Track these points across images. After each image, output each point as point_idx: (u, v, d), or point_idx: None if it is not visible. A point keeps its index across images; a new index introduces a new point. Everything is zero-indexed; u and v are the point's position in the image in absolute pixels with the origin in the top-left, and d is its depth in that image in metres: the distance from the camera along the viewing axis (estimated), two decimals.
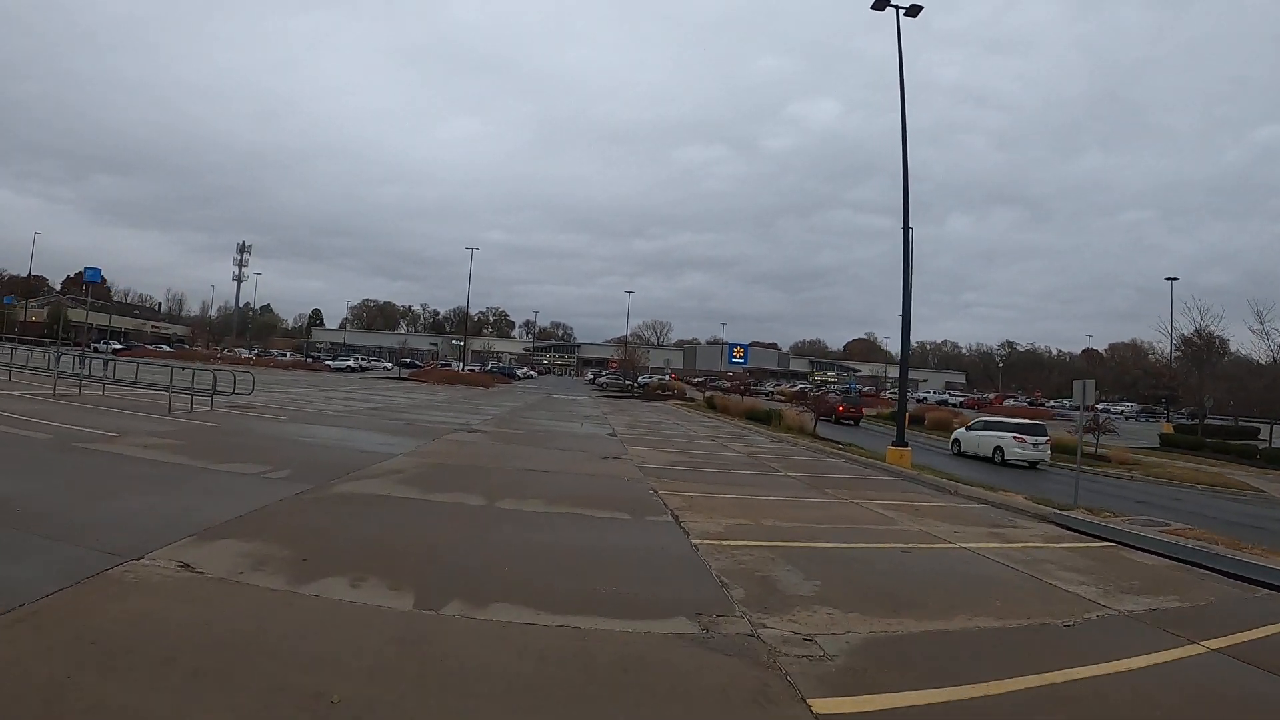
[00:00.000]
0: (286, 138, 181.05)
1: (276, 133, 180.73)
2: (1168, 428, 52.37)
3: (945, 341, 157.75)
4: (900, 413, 22.20)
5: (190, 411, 17.27)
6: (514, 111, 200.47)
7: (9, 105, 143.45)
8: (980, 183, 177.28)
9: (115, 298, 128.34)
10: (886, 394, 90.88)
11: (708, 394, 50.77)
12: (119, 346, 73.86)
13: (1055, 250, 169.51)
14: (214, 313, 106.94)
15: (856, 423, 39.97)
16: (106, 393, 20.04)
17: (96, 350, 72.47)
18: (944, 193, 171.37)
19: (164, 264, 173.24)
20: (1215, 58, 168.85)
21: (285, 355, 73.30)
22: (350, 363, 71.03)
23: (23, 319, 66.09)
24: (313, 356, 78.33)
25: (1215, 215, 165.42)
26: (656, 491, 11.12)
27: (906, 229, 23.94)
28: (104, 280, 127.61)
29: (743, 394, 42.18)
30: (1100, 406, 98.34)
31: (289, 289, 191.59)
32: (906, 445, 21.21)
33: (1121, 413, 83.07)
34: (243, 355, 69.71)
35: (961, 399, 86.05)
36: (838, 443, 25.42)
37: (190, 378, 19.07)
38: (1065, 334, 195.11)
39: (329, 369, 65.49)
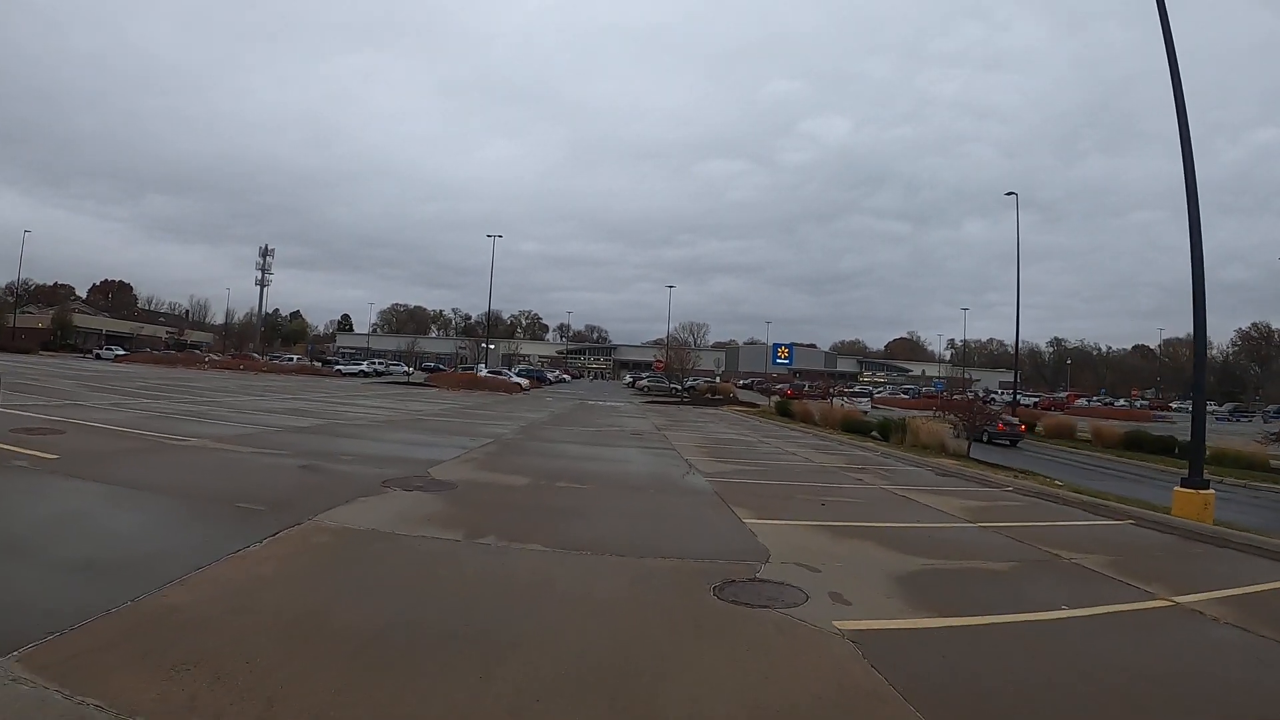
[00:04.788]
0: (336, 161, 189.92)
1: (327, 157, 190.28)
2: None
3: (991, 339, 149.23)
4: (1197, 434, 11.93)
5: None
6: (548, 134, 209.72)
7: (77, 136, 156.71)
8: (991, 189, 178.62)
9: (140, 305, 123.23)
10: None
11: (776, 398, 40.47)
12: (121, 352, 66.81)
13: (1072, 251, 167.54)
14: (239, 318, 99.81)
15: (1014, 443, 28.47)
16: None
17: (99, 356, 65.68)
18: (958, 199, 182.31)
19: (211, 276, 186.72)
20: (1200, 68, 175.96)
21: (292, 360, 64.70)
22: (364, 367, 62.05)
23: (11, 325, 58.18)
24: (323, 361, 69.56)
25: (1224, 213, 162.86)
26: None
27: (1191, 175, 13.62)
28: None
29: (831, 397, 31.61)
30: (1175, 404, 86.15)
31: (331, 299, 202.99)
32: (1208, 486, 11.23)
33: (1210, 412, 70.76)
34: (256, 359, 61.41)
35: (1036, 399, 74.12)
36: (1018, 470, 15.37)
37: None
38: (1093, 332, 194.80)
39: (339, 374, 56.65)
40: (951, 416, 21.32)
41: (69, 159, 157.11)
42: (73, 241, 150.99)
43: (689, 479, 11.33)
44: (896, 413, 38.58)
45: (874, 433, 24.22)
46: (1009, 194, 38.50)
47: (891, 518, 8.99)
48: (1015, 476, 14.18)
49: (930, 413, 25.28)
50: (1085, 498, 11.97)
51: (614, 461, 13.24)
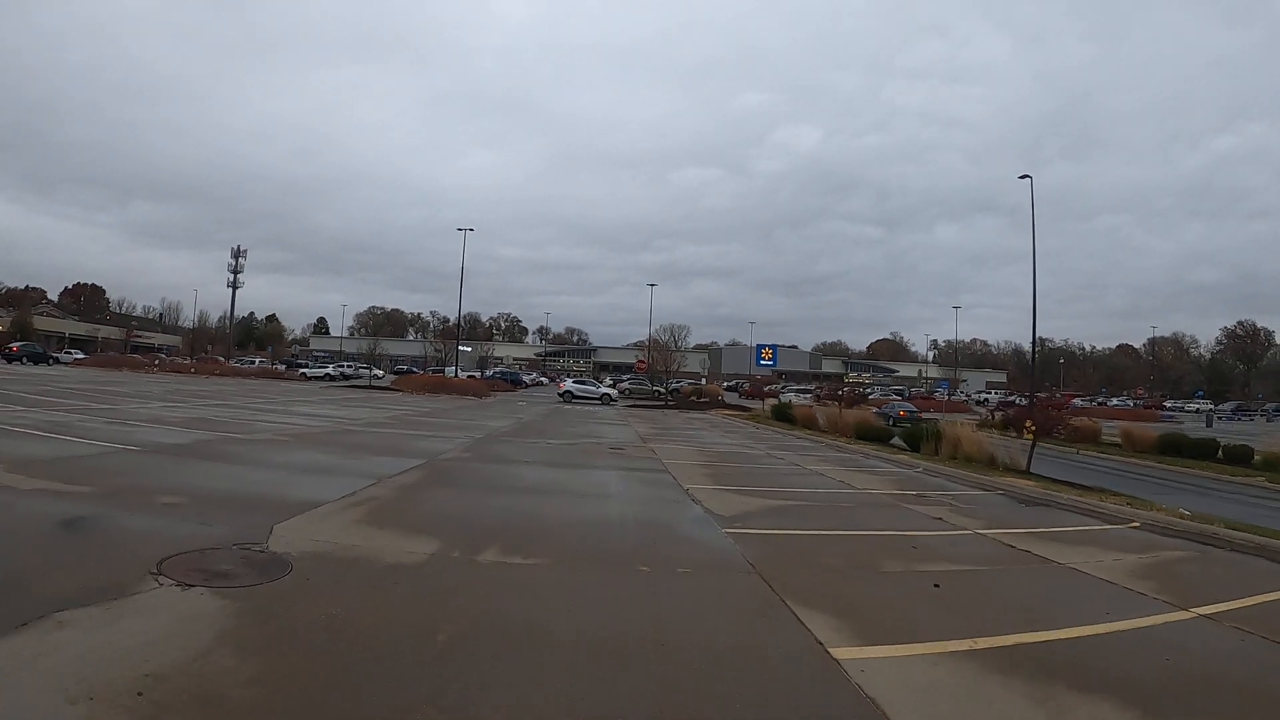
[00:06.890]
0: (322, 170, 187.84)
1: (313, 165, 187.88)
2: None
3: (975, 340, 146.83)
4: None
5: None
6: (528, 144, 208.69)
7: (67, 144, 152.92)
8: (959, 194, 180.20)
9: (113, 308, 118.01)
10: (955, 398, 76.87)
11: (772, 402, 36.52)
12: (81, 356, 62.36)
13: (1041, 254, 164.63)
14: (214, 321, 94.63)
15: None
16: None
17: (58, 360, 61.01)
18: (928, 203, 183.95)
19: (193, 281, 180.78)
20: (1156, 79, 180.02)
21: (253, 363, 60.04)
22: (329, 370, 57.63)
23: None
24: (288, 363, 64.73)
25: (1190, 216, 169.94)
26: None
27: None
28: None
29: (848, 402, 27.44)
30: (1170, 404, 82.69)
31: (312, 303, 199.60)
32: None
33: (1211, 411, 68.17)
34: (220, 362, 56.78)
35: (1034, 400, 70.58)
36: (1113, 494, 11.57)
37: None
38: (1068, 332, 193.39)
39: (304, 377, 52.27)
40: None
41: (57, 166, 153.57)
42: (56, 247, 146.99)
43: (700, 530, 7.37)
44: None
45: (895, 440, 20.50)
46: (1023, 177, 34.72)
47: (1060, 610, 5.08)
48: (1127, 504, 10.37)
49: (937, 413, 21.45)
50: (1255, 538, 8.21)
51: (585, 497, 9.23)
